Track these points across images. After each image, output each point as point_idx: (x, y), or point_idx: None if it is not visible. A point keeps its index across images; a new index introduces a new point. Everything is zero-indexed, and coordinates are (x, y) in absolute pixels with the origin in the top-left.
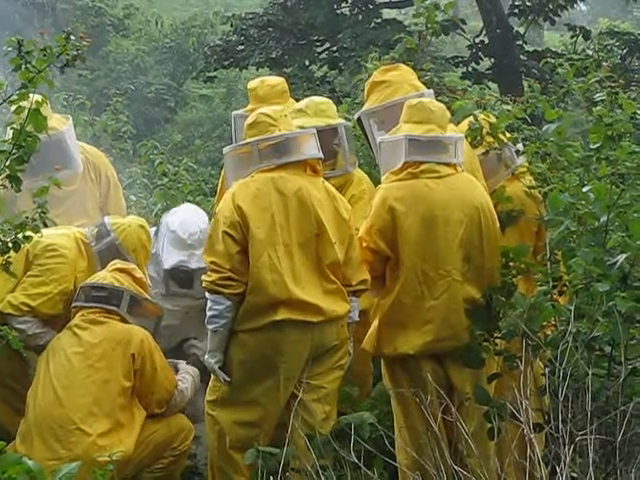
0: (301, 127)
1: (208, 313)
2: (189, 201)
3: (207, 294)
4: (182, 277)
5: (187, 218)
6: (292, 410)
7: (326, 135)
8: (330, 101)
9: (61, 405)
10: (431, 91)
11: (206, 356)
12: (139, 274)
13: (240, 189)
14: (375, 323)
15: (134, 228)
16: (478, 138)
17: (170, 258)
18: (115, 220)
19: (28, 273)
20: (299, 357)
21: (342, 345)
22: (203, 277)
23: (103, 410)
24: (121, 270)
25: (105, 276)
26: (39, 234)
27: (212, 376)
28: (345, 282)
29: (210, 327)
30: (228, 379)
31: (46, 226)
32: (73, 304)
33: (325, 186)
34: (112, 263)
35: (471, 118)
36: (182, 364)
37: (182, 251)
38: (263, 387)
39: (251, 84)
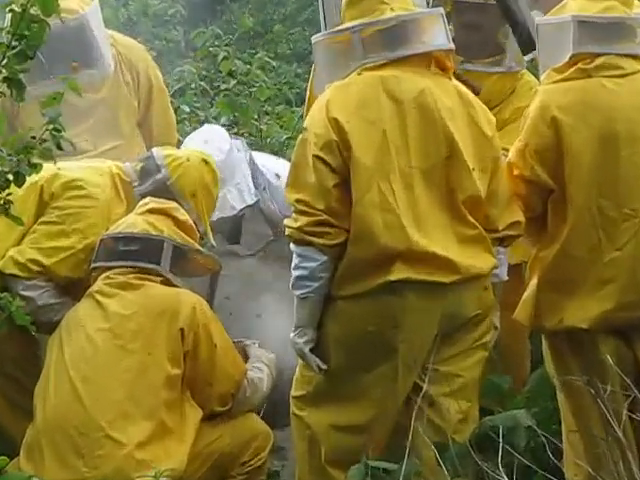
0: None
1: (294, 273)
2: (266, 113)
3: (292, 246)
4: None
5: (202, 144)
6: (414, 409)
7: (495, 18)
8: None
9: (82, 404)
10: None
11: (292, 334)
12: (183, 215)
13: (337, 95)
14: (532, 284)
15: (194, 164)
16: None
17: None
18: (169, 152)
19: (41, 219)
20: (424, 333)
21: (485, 315)
22: (286, 222)
23: (142, 409)
24: (157, 211)
25: (135, 222)
26: (53, 162)
27: (300, 362)
28: (489, 226)
29: (297, 293)
30: (323, 366)
31: (60, 149)
32: (93, 264)
33: (458, 89)
34: (142, 203)
35: None
36: (254, 347)
37: None
38: (373, 376)
39: None
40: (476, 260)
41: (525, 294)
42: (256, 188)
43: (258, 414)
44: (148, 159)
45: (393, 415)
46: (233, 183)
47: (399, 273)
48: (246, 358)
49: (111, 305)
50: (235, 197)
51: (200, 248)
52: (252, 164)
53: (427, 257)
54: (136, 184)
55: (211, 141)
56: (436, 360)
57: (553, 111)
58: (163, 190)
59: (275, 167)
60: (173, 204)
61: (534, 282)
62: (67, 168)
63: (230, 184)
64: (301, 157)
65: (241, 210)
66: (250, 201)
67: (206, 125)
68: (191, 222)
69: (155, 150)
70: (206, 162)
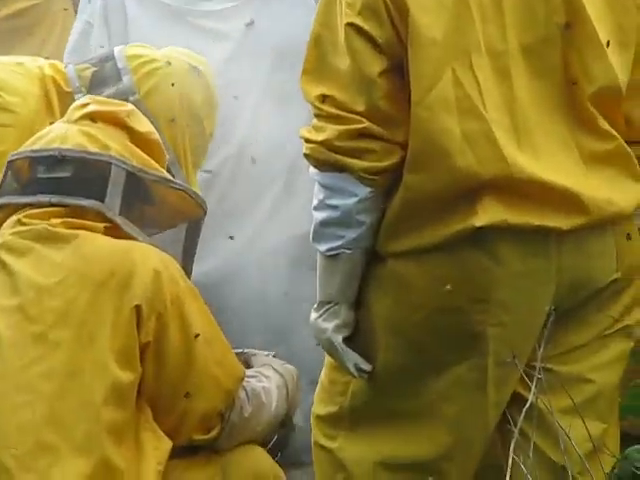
0: None
1: (318, 216)
2: None
3: (314, 172)
4: None
5: None
6: (514, 434)
7: None
8: None
9: None
10: None
11: (313, 315)
12: (143, 126)
13: None
14: None
15: (177, 72)
16: None
17: None
18: (137, 51)
19: None
20: (529, 311)
21: (629, 281)
22: (303, 132)
23: (71, 438)
24: (100, 117)
25: (66, 133)
26: None
27: (327, 361)
28: (634, 136)
29: (323, 248)
30: (366, 366)
31: None
32: None
33: None
34: (79, 103)
35: None
36: (262, 356)
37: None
38: (447, 382)
39: None
40: (613, 192)
41: None
42: None
43: (264, 446)
44: (105, 60)
45: (479, 444)
46: None
47: (489, 215)
48: (247, 366)
49: (22, 268)
50: None
51: (171, 178)
52: None
53: (534, 189)
54: (81, 97)
55: None
56: (549, 355)
57: None
58: None
59: None
60: (127, 106)
61: None
62: None
63: None
64: (326, 27)
65: None
66: None
67: None
68: (156, 136)
69: (117, 48)
70: (197, 71)
